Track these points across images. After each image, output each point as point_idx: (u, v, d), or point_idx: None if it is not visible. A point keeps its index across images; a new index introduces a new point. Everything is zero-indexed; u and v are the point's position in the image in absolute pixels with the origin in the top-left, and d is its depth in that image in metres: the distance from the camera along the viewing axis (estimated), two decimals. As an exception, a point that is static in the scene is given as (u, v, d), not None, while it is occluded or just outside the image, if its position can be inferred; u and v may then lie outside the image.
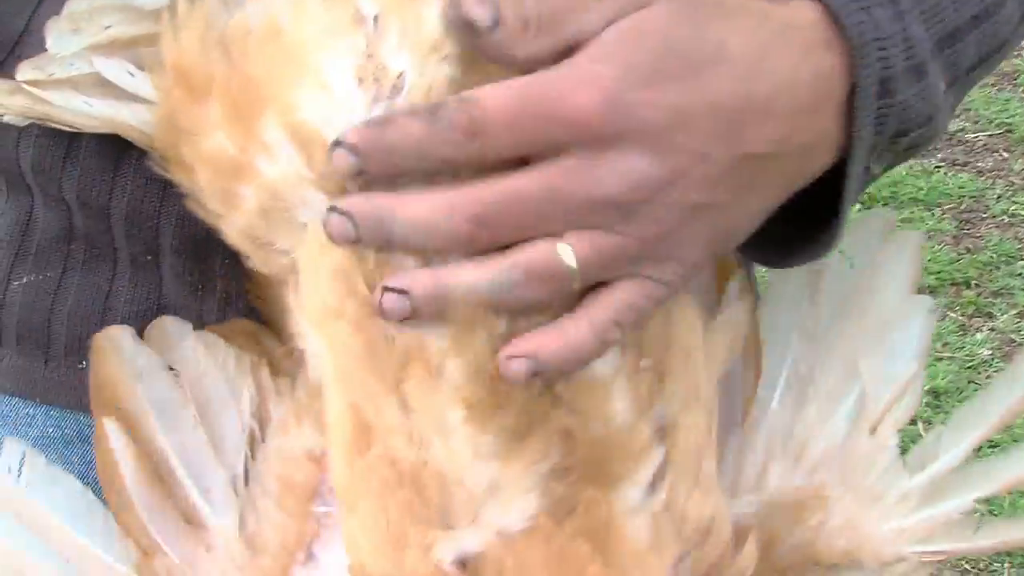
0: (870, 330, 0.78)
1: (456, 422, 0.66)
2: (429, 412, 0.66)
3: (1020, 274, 3.12)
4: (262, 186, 0.69)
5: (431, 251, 0.63)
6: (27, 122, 0.75)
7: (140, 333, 0.78)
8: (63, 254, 0.83)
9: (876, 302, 0.79)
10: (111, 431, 0.76)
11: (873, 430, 0.76)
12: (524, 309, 0.63)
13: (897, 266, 0.79)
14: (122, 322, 0.79)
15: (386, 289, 0.63)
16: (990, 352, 2.92)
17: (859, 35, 0.66)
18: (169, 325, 0.77)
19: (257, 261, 0.72)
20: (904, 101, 0.68)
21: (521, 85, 0.61)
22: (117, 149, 0.79)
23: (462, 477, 0.66)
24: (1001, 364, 2.88)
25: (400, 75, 0.66)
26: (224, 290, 0.80)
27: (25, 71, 0.72)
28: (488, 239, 0.62)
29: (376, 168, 0.62)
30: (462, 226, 0.62)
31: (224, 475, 0.75)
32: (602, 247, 0.63)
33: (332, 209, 0.63)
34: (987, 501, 0.81)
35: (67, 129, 0.75)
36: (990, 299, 3.04)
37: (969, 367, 2.87)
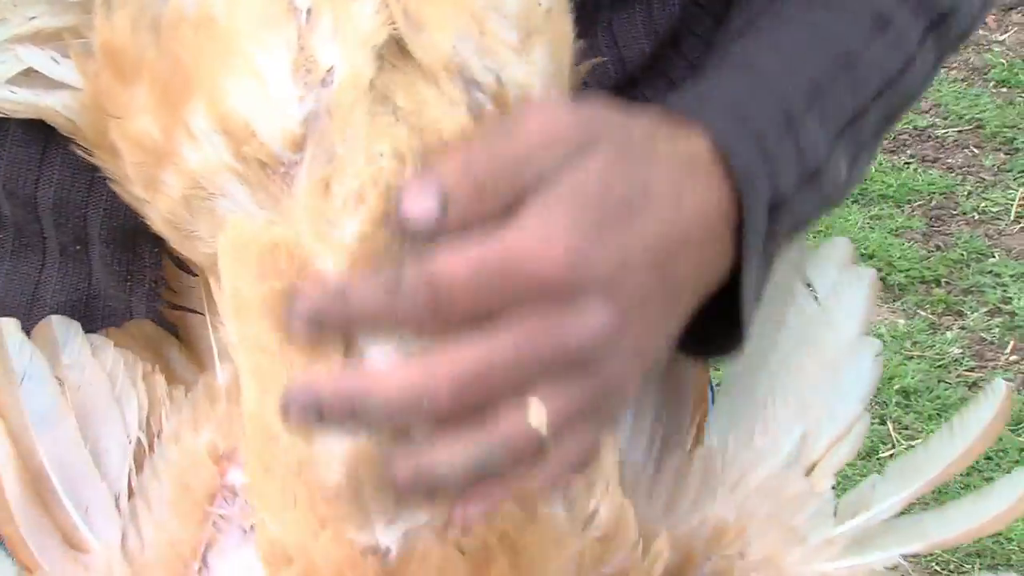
0: (822, 366, 0.81)
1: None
2: None
3: (990, 272, 3.15)
4: (185, 172, 0.69)
5: (405, 427, 0.64)
6: None
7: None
8: None
9: (830, 339, 0.81)
10: None
11: (809, 471, 0.78)
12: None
13: (852, 303, 0.82)
14: (51, 311, 0.80)
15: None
16: (960, 351, 2.95)
17: (744, 167, 0.70)
18: (56, 325, 0.77)
19: (181, 248, 0.73)
20: (796, 209, 0.74)
21: (478, 250, 0.62)
22: (43, 138, 0.79)
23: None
24: (971, 363, 2.92)
25: (330, 69, 0.67)
26: (153, 280, 0.80)
27: None
28: (464, 411, 0.63)
29: (334, 329, 0.64)
30: (443, 400, 0.62)
31: (106, 491, 0.74)
32: (567, 406, 0.65)
33: (294, 390, 0.63)
34: (913, 558, 0.81)
35: None
36: (960, 297, 3.07)
37: (939, 366, 2.90)
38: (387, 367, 0.64)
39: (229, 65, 0.68)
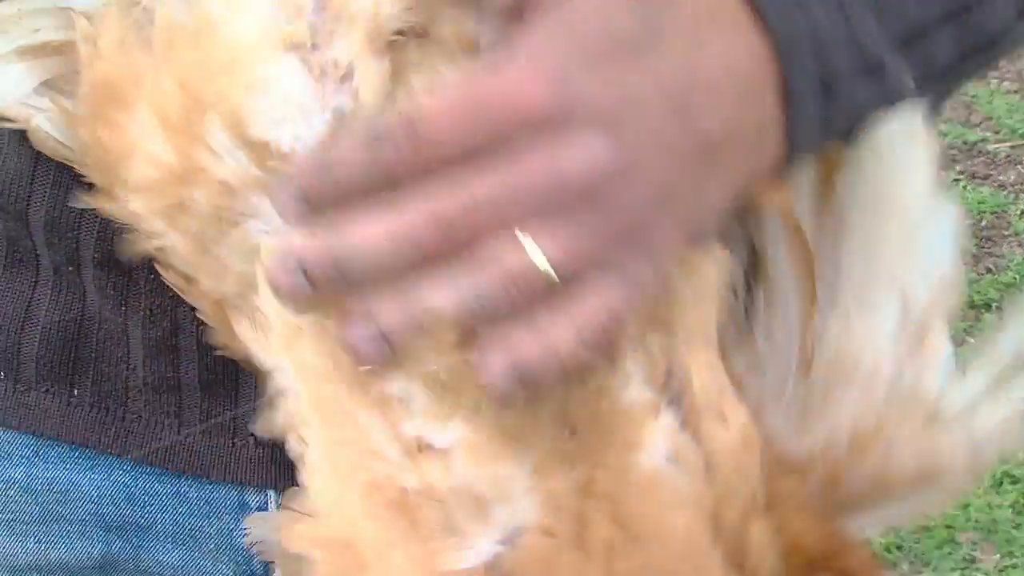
0: (899, 230, 0.77)
1: (450, 434, 0.67)
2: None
3: None
4: (213, 185, 0.69)
5: (395, 274, 0.63)
6: None
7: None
8: None
9: (899, 200, 0.78)
10: None
11: (922, 337, 0.74)
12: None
13: (916, 159, 0.77)
14: (43, 330, 0.81)
15: (357, 327, 0.64)
16: None
17: (785, 30, 0.68)
18: None
19: (208, 275, 0.71)
20: (852, 101, 0.70)
21: (460, 87, 0.63)
22: (34, 154, 0.79)
23: (463, 488, 0.67)
24: None
25: (349, 64, 0.67)
26: (149, 307, 0.80)
27: None
28: (452, 247, 0.62)
29: (325, 206, 0.63)
30: (425, 237, 0.61)
31: None
32: (574, 241, 0.62)
33: (277, 261, 0.63)
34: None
35: None
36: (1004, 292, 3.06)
37: None
38: (369, 216, 0.63)
39: (242, 77, 0.68)
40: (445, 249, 0.62)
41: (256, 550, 0.73)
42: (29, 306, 0.84)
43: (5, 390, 0.85)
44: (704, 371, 0.71)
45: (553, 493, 0.67)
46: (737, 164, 0.68)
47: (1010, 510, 2.64)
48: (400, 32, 0.68)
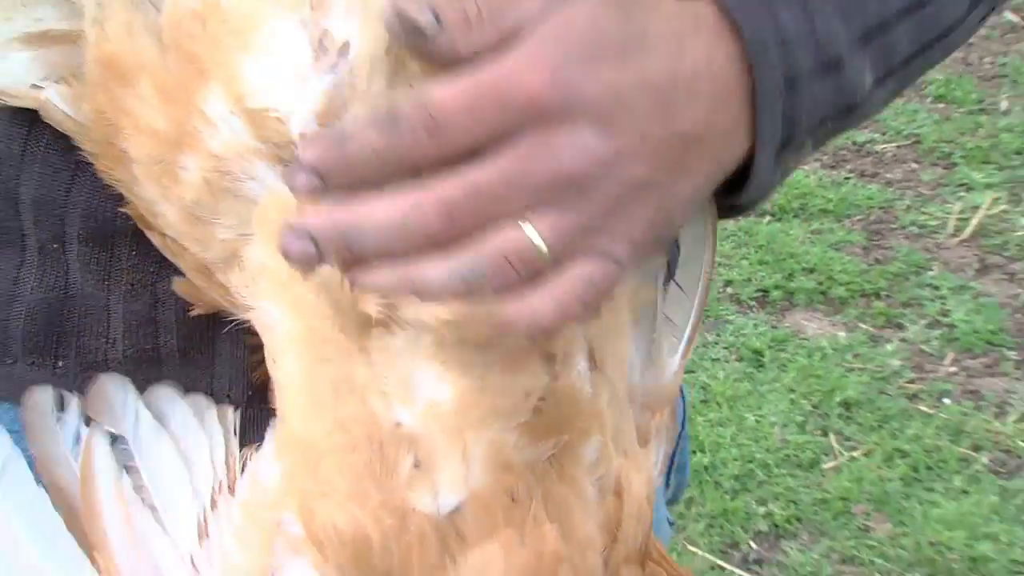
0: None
1: (426, 376, 0.69)
2: (395, 367, 0.69)
3: (929, 285, 3.18)
4: (205, 154, 0.69)
5: (400, 252, 0.65)
6: None
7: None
8: None
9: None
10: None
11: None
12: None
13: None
14: (28, 307, 0.81)
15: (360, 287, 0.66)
16: (900, 363, 2.99)
17: (754, 33, 0.70)
18: (162, 389, 0.80)
19: (194, 243, 0.73)
20: (814, 98, 0.72)
21: (471, 77, 0.64)
22: (24, 135, 0.80)
23: (430, 433, 0.69)
24: (911, 375, 2.96)
25: (346, 42, 0.67)
26: (130, 282, 0.81)
27: None
28: (456, 232, 0.64)
29: (338, 183, 0.65)
30: (432, 222, 0.64)
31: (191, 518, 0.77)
32: (564, 225, 0.65)
33: (289, 231, 0.65)
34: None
35: None
36: (900, 310, 3.11)
37: (880, 378, 2.94)
38: (378, 196, 0.64)
39: (243, 48, 0.68)
40: (450, 232, 0.65)
41: None
42: (15, 284, 0.84)
43: None
44: (627, 417, 0.75)
45: (509, 461, 0.70)
46: (706, 161, 0.71)
47: (900, 483, 2.68)
48: None
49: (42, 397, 0.80)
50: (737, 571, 2.55)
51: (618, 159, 0.66)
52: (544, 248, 0.65)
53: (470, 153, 0.64)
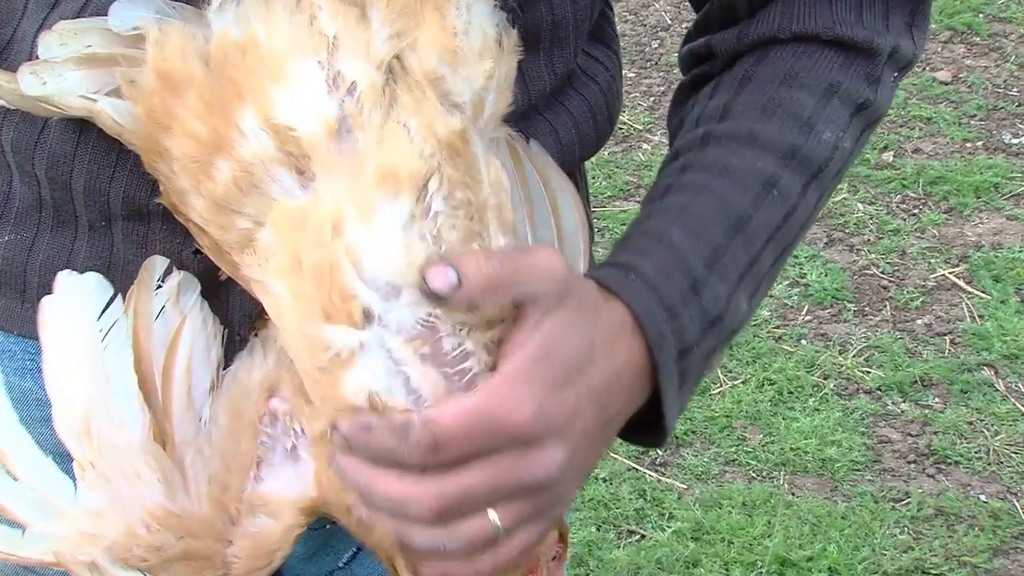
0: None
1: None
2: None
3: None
4: (236, 160, 0.71)
5: (400, 519, 0.70)
6: (14, 107, 0.78)
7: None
8: (35, 220, 0.86)
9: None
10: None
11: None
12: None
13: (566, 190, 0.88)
14: (80, 271, 0.81)
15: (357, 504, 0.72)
16: (768, 313, 3.12)
17: (655, 333, 0.75)
18: (184, 278, 0.81)
19: (217, 228, 0.74)
20: (703, 347, 0.79)
21: (470, 408, 0.68)
22: (76, 136, 0.82)
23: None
24: (777, 322, 3.09)
25: (353, 82, 0.70)
26: (161, 251, 0.83)
27: (24, 71, 0.76)
28: (444, 518, 0.70)
29: (359, 452, 0.71)
30: (425, 513, 0.69)
31: (191, 405, 0.80)
32: (522, 512, 0.72)
33: (335, 461, 0.71)
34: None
35: (50, 114, 0.77)
36: None
37: (754, 325, 3.06)
38: (390, 476, 0.69)
39: (274, 79, 0.70)
40: (437, 519, 0.69)
41: None
42: (70, 255, 0.85)
43: None
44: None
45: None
46: (619, 425, 0.77)
47: (769, 403, 2.87)
48: (392, 60, 0.71)
49: (156, 265, 0.81)
50: (648, 472, 2.72)
51: (572, 463, 0.71)
52: (503, 531, 0.71)
53: (465, 461, 0.69)
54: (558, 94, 0.89)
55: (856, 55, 0.84)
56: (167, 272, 0.80)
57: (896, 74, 0.86)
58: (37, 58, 0.76)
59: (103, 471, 0.75)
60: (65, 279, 0.78)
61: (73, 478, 0.77)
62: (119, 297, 0.79)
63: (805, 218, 0.83)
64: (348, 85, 0.69)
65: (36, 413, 0.81)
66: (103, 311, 0.77)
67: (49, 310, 0.77)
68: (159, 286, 0.80)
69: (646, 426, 0.79)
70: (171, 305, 0.79)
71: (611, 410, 0.74)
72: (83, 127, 0.80)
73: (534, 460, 0.70)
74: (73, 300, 0.77)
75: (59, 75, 0.75)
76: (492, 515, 0.69)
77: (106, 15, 0.75)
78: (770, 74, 0.84)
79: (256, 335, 0.81)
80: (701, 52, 0.90)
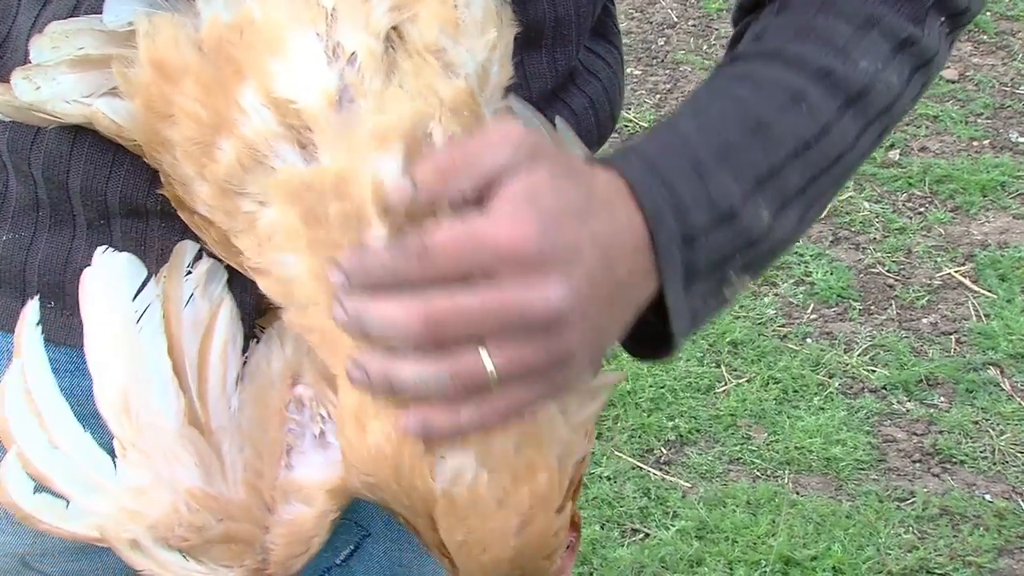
0: None
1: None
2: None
3: (796, 252, 3.23)
4: (239, 138, 0.71)
5: (391, 343, 0.67)
6: (9, 119, 0.79)
7: None
8: (33, 219, 0.86)
9: None
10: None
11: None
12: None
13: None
14: (80, 270, 0.80)
15: (353, 360, 0.69)
16: (774, 312, 3.10)
17: (651, 203, 0.72)
18: (211, 266, 0.81)
19: (223, 214, 0.74)
20: (712, 245, 0.74)
21: (464, 222, 0.66)
22: (71, 137, 0.82)
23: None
24: (783, 320, 3.08)
25: (353, 53, 0.70)
26: (160, 248, 0.83)
27: (16, 77, 0.76)
28: (433, 338, 0.67)
29: (358, 282, 0.68)
30: (415, 326, 0.67)
31: (221, 391, 0.80)
32: (522, 358, 0.68)
33: (335, 308, 0.68)
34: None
35: (45, 123, 0.78)
36: (774, 272, 3.17)
37: (759, 323, 3.07)
38: (380, 298, 0.66)
39: (273, 54, 0.70)
40: (425, 338, 0.67)
41: None
42: (69, 254, 0.85)
43: (54, 315, 0.85)
44: None
45: None
46: (630, 303, 0.72)
47: (774, 402, 2.85)
48: (392, 28, 0.71)
49: (187, 249, 0.80)
50: (652, 471, 2.70)
51: (576, 308, 0.67)
52: (495, 375, 0.67)
53: (461, 281, 0.66)
54: (560, 91, 0.89)
55: None
56: (196, 259, 0.80)
57: (944, 20, 0.83)
58: (29, 62, 0.76)
59: (143, 450, 0.74)
60: (102, 255, 0.78)
61: (112, 456, 0.77)
62: (152, 279, 0.79)
63: (844, 147, 0.80)
64: (348, 56, 0.69)
65: None
66: (137, 292, 0.77)
67: (89, 283, 0.77)
68: (188, 272, 0.80)
69: (652, 337, 0.76)
70: (199, 292, 0.79)
71: (619, 271, 0.70)
72: (79, 127, 0.80)
73: (534, 287, 0.66)
74: (110, 278, 0.77)
75: (53, 79, 0.75)
76: (483, 353, 0.66)
77: (98, 11, 0.75)
78: (808, 1, 0.82)
79: (263, 329, 0.81)
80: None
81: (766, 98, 0.78)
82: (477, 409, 0.68)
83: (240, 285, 0.80)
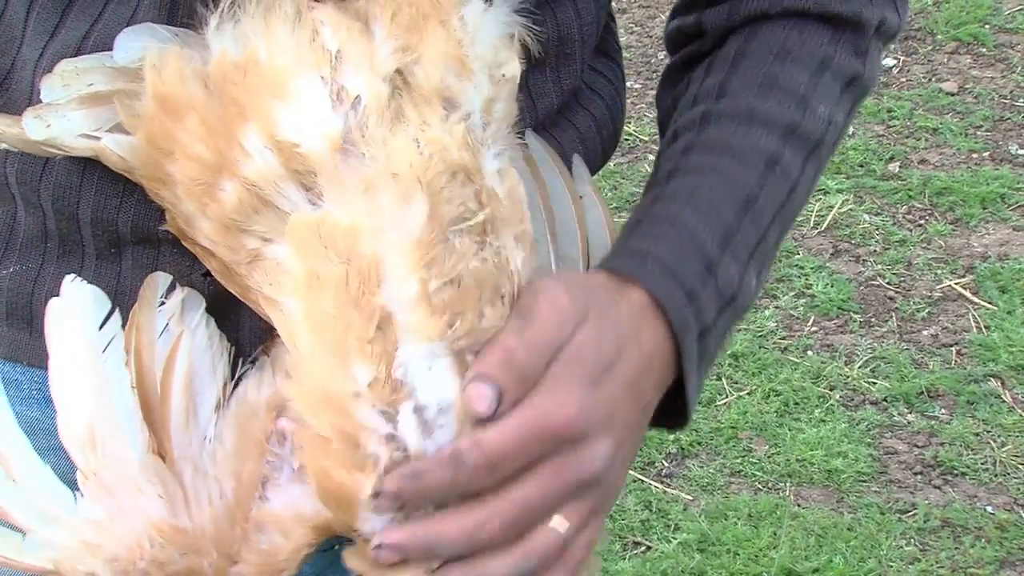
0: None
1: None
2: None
3: (796, 265, 3.27)
4: (241, 179, 0.71)
5: (469, 556, 0.69)
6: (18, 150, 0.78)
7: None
8: (40, 250, 0.86)
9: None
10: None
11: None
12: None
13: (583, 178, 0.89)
14: None
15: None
16: (775, 324, 3.12)
17: (677, 317, 0.76)
18: (189, 296, 0.80)
19: (226, 249, 0.73)
20: (719, 328, 0.79)
21: (513, 421, 0.69)
22: (81, 168, 0.82)
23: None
24: (783, 333, 3.11)
25: (357, 96, 0.69)
26: (173, 274, 0.83)
27: (28, 116, 0.76)
28: (511, 536, 0.70)
29: (412, 506, 0.69)
30: (496, 535, 0.69)
31: (192, 425, 0.78)
32: (581, 512, 0.72)
33: (380, 547, 0.68)
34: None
35: (53, 155, 0.77)
36: (774, 284, 3.21)
37: (759, 336, 3.10)
38: (449, 516, 0.68)
39: (277, 97, 0.69)
40: (507, 537, 0.69)
41: None
42: None
43: None
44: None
45: None
46: (652, 408, 0.78)
47: (775, 414, 2.87)
48: (395, 74, 0.71)
49: (159, 281, 0.79)
50: (653, 483, 2.72)
51: (618, 452, 0.72)
52: (570, 533, 0.71)
53: (519, 476, 0.70)
54: (565, 110, 0.90)
55: (844, 29, 0.85)
56: (171, 289, 0.80)
57: (882, 45, 0.87)
58: (38, 93, 0.76)
59: (106, 482, 0.74)
60: (69, 285, 0.78)
61: (74, 491, 0.77)
62: (116, 312, 0.79)
63: (804, 193, 0.85)
64: (352, 99, 0.69)
65: (44, 442, 0.80)
66: (102, 324, 0.77)
67: (55, 312, 0.77)
68: (162, 303, 0.79)
69: (666, 410, 0.80)
70: (175, 322, 0.78)
71: (646, 397, 0.75)
72: (87, 159, 0.81)
73: (585, 456, 0.71)
74: (75, 310, 0.77)
75: (63, 116, 0.75)
76: (557, 520, 0.70)
77: (108, 41, 0.75)
78: (764, 50, 0.84)
79: (267, 353, 0.81)
80: (690, 30, 0.91)
81: (747, 169, 0.81)
82: (564, 565, 0.72)
83: (250, 313, 0.80)
